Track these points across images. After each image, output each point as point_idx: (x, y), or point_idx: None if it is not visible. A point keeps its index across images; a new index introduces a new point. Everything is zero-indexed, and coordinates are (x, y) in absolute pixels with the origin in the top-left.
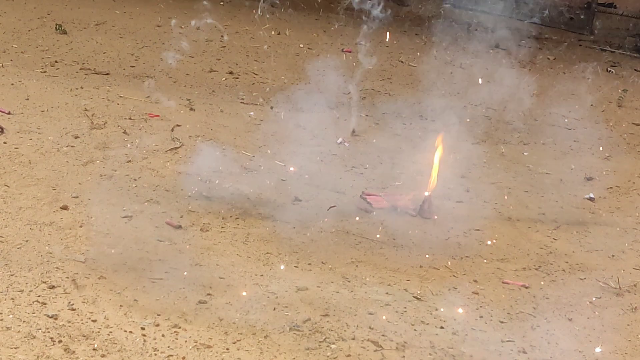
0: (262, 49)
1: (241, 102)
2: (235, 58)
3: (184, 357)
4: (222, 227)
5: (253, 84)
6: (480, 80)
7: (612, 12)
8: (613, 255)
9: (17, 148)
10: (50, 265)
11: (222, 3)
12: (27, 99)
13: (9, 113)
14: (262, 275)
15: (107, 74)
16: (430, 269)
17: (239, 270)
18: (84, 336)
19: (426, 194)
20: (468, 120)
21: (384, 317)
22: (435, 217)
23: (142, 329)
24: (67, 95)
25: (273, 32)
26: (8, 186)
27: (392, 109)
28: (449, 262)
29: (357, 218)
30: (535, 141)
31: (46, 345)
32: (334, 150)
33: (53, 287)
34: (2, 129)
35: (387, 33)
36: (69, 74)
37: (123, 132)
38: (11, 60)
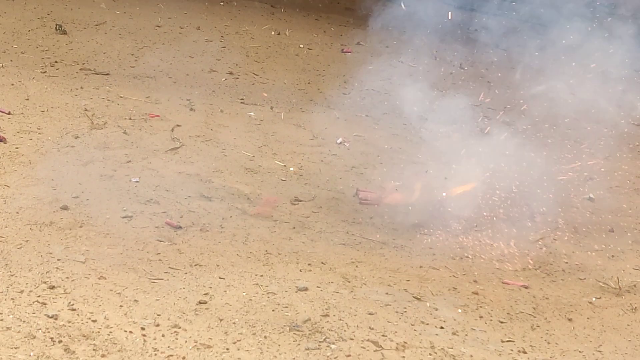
0: (262, 49)
1: (241, 102)
2: (235, 58)
3: (184, 357)
4: (222, 227)
5: (253, 84)
6: (479, 80)
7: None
8: (613, 256)
9: (17, 148)
10: (50, 265)
11: (221, 3)
12: (27, 99)
13: (9, 113)
14: (261, 276)
15: (107, 74)
16: (430, 269)
17: (238, 270)
18: (84, 336)
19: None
20: (468, 120)
21: (384, 317)
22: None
23: (142, 329)
24: (67, 96)
25: (273, 32)
26: (8, 186)
27: (392, 109)
28: (449, 262)
29: (359, 218)
30: (535, 141)
31: (46, 345)
32: (334, 150)
33: (53, 287)
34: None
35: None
36: (69, 74)
37: (123, 132)
38: (11, 60)
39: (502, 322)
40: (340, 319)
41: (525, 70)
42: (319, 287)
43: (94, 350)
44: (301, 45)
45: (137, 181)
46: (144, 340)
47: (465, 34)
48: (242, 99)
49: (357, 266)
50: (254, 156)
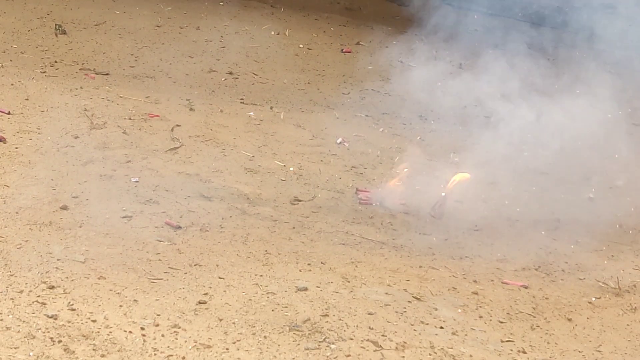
0: (261, 49)
1: (241, 102)
2: (235, 58)
3: (183, 357)
4: (222, 227)
5: (253, 84)
6: (479, 80)
7: None
8: (613, 255)
9: (17, 148)
10: (50, 265)
11: (221, 3)
12: (27, 99)
13: (8, 113)
14: (261, 276)
15: (107, 74)
16: (430, 269)
17: (238, 270)
18: (84, 336)
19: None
20: (467, 120)
21: (383, 317)
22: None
23: (142, 329)
24: (67, 96)
25: (272, 32)
26: (8, 186)
27: (392, 109)
28: (449, 262)
29: (359, 218)
30: (534, 141)
31: (46, 345)
32: (334, 150)
33: (53, 287)
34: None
35: None
36: (69, 74)
37: (123, 132)
38: (11, 60)
39: (501, 322)
40: (340, 319)
41: (518, 70)
42: (318, 287)
43: (93, 350)
44: (301, 45)
45: (137, 181)
46: (144, 340)
47: (465, 34)
48: (241, 99)
49: (356, 266)
50: (253, 156)
